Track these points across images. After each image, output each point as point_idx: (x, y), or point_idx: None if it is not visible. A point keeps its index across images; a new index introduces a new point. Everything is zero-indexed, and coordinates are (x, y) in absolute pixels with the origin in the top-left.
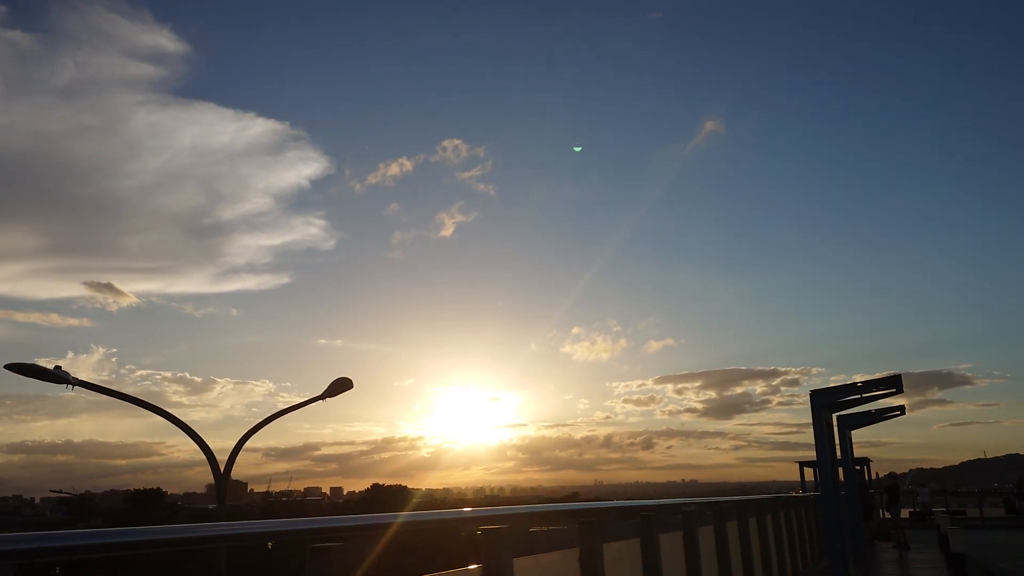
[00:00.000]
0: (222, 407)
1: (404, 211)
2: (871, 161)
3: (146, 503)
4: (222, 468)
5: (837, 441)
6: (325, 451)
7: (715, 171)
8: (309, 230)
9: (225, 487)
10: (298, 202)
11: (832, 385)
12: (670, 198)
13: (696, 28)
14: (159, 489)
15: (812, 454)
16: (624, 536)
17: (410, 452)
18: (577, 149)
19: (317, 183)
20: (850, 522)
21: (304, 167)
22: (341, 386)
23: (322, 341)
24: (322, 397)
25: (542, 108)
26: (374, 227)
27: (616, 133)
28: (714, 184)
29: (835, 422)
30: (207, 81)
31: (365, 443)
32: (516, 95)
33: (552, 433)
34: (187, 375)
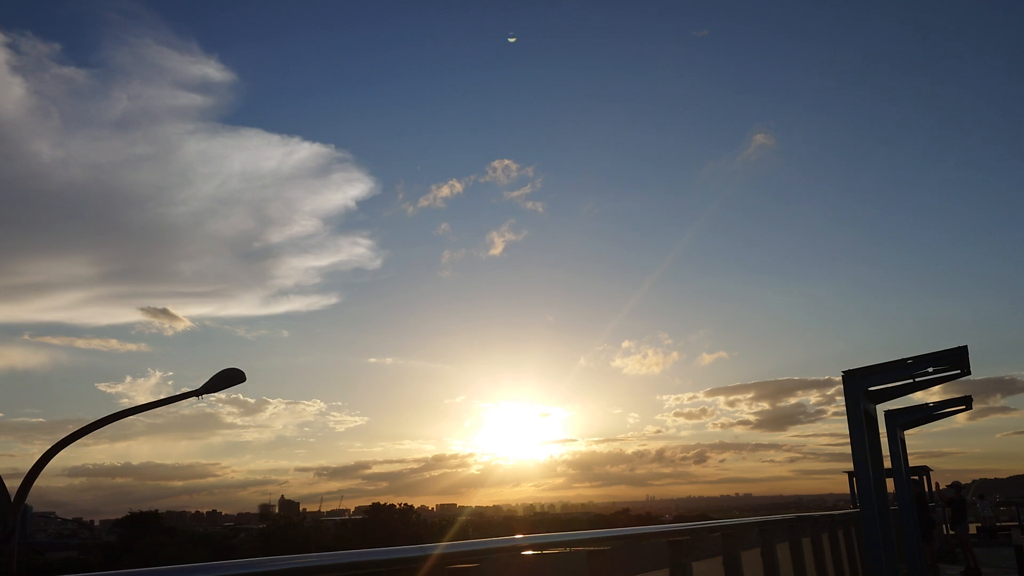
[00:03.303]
0: (275, 427)
1: (454, 231)
2: (925, 167)
3: (140, 527)
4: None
5: (886, 443)
6: (376, 469)
7: (766, 182)
8: (356, 250)
9: (15, 517)
10: (345, 223)
11: (873, 364)
12: (720, 210)
13: (742, 43)
14: (155, 512)
15: None
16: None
17: (460, 469)
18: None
19: (363, 204)
20: (905, 543)
21: (350, 188)
22: (228, 379)
23: (372, 360)
24: (199, 392)
25: (590, 126)
26: (423, 247)
27: (665, 148)
28: (765, 195)
29: (882, 419)
30: (254, 108)
31: (415, 461)
32: (564, 114)
33: (602, 448)
34: (240, 396)
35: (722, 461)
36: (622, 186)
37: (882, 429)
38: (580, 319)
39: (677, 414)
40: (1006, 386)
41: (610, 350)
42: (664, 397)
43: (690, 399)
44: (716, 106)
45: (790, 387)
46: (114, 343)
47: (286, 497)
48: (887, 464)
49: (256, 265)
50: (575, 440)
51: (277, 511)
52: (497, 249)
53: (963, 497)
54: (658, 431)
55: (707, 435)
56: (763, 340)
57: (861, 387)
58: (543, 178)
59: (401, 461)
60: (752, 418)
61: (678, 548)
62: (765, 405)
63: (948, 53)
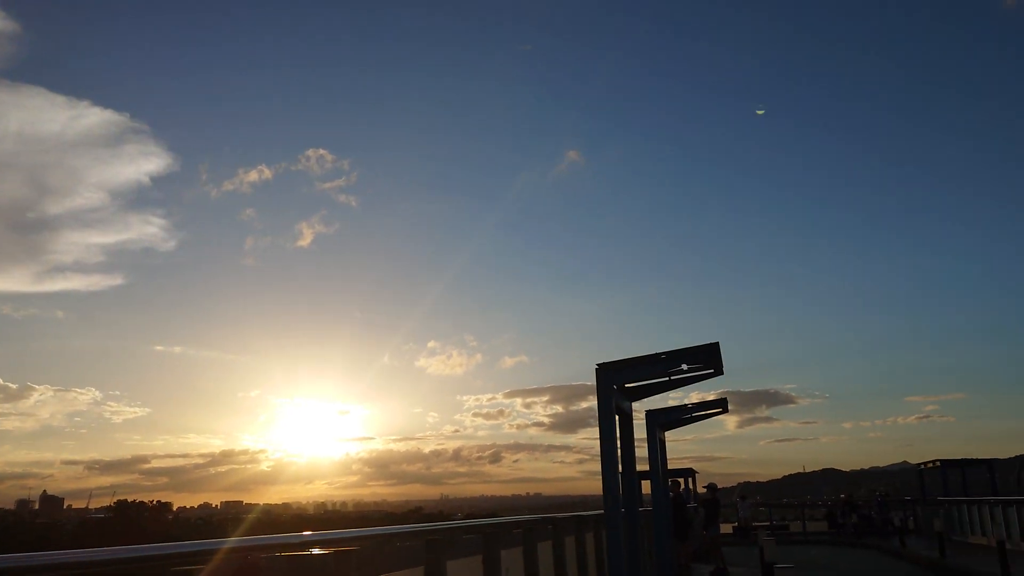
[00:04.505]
0: (40, 416)
1: (260, 218)
2: (713, 193)
3: None
4: None
5: (647, 443)
6: (156, 464)
7: (574, 196)
8: (148, 230)
9: None
10: (136, 200)
11: (627, 358)
12: (531, 220)
13: (562, 62)
14: None
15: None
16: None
17: (250, 465)
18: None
19: (159, 181)
20: (658, 543)
21: (145, 163)
22: None
23: (159, 347)
24: None
25: (412, 126)
26: (225, 231)
27: (484, 155)
28: (573, 208)
29: (638, 418)
30: (38, 63)
31: (201, 456)
32: (386, 111)
33: (400, 447)
34: (0, 381)
35: (516, 461)
36: (439, 188)
37: (642, 433)
38: (387, 317)
39: (476, 414)
40: (771, 398)
41: (415, 349)
42: (465, 398)
43: (489, 400)
44: (535, 119)
45: (583, 391)
46: None
47: (49, 492)
48: (653, 465)
49: (29, 237)
50: (373, 438)
51: (37, 507)
52: (306, 240)
53: (717, 499)
54: (456, 431)
55: (503, 435)
56: (562, 345)
57: (614, 382)
58: (359, 172)
59: (185, 456)
60: (546, 420)
61: (344, 559)
62: (559, 408)
63: (739, 78)
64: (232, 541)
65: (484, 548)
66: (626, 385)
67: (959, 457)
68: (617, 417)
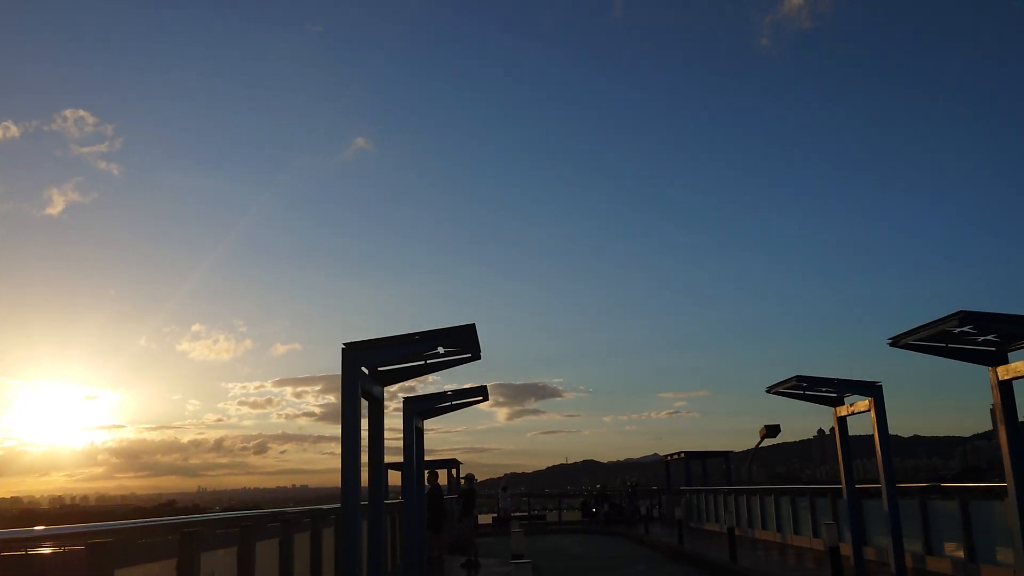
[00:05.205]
0: None
1: (1, 180)
2: (491, 190)
3: None
4: None
5: (403, 433)
6: None
7: (359, 183)
8: None
9: None
10: None
11: (379, 337)
12: (312, 203)
13: (354, 47)
14: None
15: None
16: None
17: None
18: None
19: None
20: (408, 535)
21: None
22: None
23: None
24: None
25: (189, 96)
26: None
27: (265, 132)
28: (358, 195)
29: (396, 405)
30: None
31: None
32: (159, 77)
33: (155, 436)
34: None
35: (283, 452)
36: (212, 162)
37: (398, 423)
38: (147, 297)
39: (242, 403)
40: (539, 391)
41: (177, 332)
42: (230, 385)
43: (257, 388)
44: (322, 103)
45: None
46: None
47: None
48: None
49: None
50: (124, 426)
51: None
52: (56, 208)
53: (474, 489)
54: (219, 420)
55: (270, 425)
56: (339, 333)
57: (363, 363)
58: (125, 139)
59: None
60: (317, 410)
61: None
62: (332, 398)
63: (515, 78)
64: None
65: (180, 551)
66: (379, 368)
67: (701, 449)
68: (367, 402)
